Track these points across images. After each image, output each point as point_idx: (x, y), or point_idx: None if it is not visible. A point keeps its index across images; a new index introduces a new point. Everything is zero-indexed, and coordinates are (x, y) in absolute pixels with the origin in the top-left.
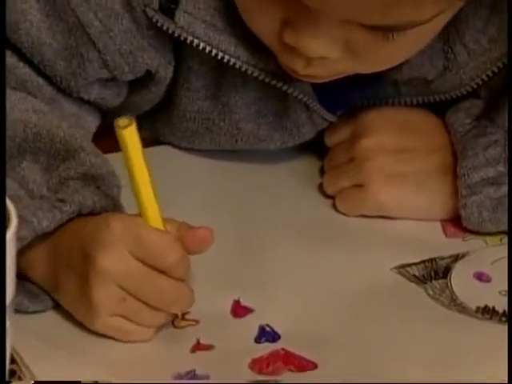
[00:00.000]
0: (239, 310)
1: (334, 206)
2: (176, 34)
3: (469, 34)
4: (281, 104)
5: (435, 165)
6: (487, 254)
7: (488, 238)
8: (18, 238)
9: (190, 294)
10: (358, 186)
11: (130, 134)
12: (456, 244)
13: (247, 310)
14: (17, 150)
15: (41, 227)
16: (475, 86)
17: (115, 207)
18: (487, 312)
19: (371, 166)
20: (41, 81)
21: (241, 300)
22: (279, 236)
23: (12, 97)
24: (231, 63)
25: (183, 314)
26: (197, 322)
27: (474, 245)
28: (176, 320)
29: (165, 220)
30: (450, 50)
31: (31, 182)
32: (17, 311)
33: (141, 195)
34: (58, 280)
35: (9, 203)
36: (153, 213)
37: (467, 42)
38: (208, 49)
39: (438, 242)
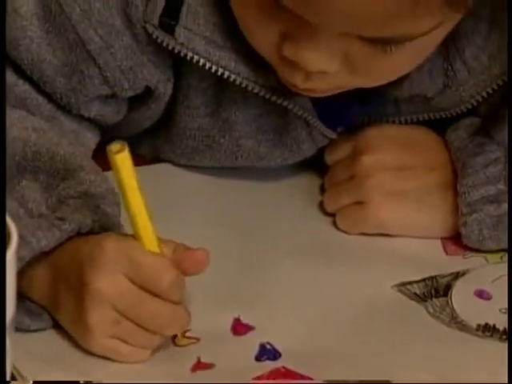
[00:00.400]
0: (240, 328)
1: (335, 224)
2: (176, 50)
3: (469, 51)
4: (281, 120)
5: (435, 182)
6: (488, 271)
7: (489, 256)
8: (18, 258)
9: (184, 316)
10: (359, 203)
11: (122, 159)
12: (456, 262)
13: (248, 328)
14: (16, 169)
15: (39, 246)
16: (475, 104)
17: (115, 226)
18: (488, 330)
19: (371, 184)
20: (40, 98)
21: (241, 318)
22: (280, 253)
23: (12, 115)
24: (231, 79)
25: (184, 332)
26: (197, 339)
27: (475, 262)
28: (177, 338)
29: (161, 241)
30: (449, 67)
31: (31, 201)
32: (18, 329)
33: (135, 218)
34: (57, 300)
35: (9, 221)
36: (148, 235)
37: (467, 59)
38: (208, 65)
39: (438, 260)
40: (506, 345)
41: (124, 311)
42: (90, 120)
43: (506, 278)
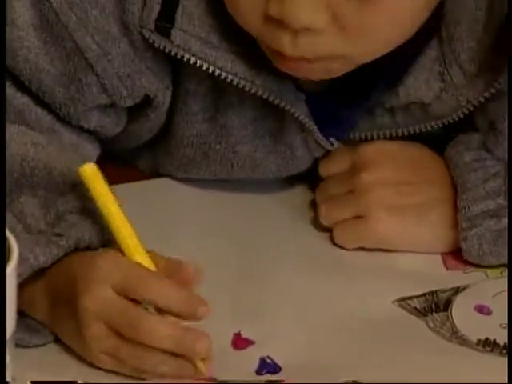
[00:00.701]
0: (240, 342)
1: (332, 238)
2: (173, 53)
3: (464, 55)
4: (277, 124)
5: (436, 197)
6: (488, 286)
7: (489, 271)
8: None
9: (175, 330)
10: (357, 217)
11: (90, 170)
12: (457, 276)
13: (248, 342)
14: (15, 185)
15: (37, 263)
16: (472, 109)
17: (113, 241)
18: (488, 345)
19: (372, 198)
20: (39, 110)
21: (241, 332)
22: (279, 269)
23: (11, 130)
24: (228, 80)
25: None
26: None
27: (475, 277)
28: None
29: (149, 255)
30: (446, 72)
31: (29, 217)
32: (17, 345)
33: (118, 233)
34: (56, 316)
35: (10, 236)
36: (135, 246)
37: (462, 62)
38: (205, 66)
39: (438, 275)
40: (506, 359)
41: (109, 323)
42: (89, 132)
43: (506, 293)
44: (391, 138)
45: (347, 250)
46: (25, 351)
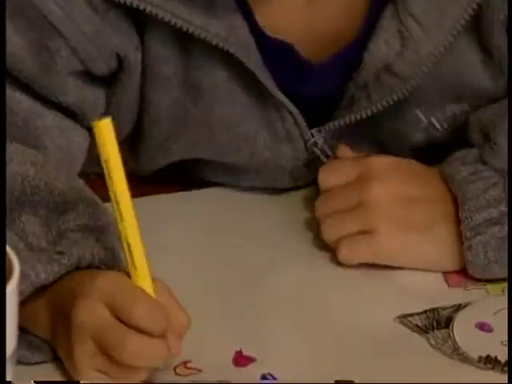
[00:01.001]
0: (241, 360)
1: (334, 256)
2: (128, 3)
3: (416, 6)
4: (249, 83)
5: (440, 213)
6: (489, 304)
7: (490, 289)
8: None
9: (158, 350)
10: (363, 232)
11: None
12: (458, 294)
13: (249, 360)
14: (16, 203)
15: (39, 280)
16: (435, 59)
17: (114, 259)
18: (489, 362)
19: (381, 213)
20: (17, 94)
21: (243, 350)
22: (279, 285)
23: (9, 150)
24: (190, 31)
25: (185, 362)
26: (199, 370)
27: (476, 295)
28: (178, 367)
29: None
30: (404, 30)
31: (31, 235)
32: (19, 363)
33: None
34: (55, 334)
35: (11, 253)
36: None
37: (415, 14)
38: (160, 14)
39: (440, 292)
40: (506, 377)
41: (98, 340)
42: (72, 114)
43: (507, 310)
44: (367, 118)
45: (351, 266)
46: (27, 368)
